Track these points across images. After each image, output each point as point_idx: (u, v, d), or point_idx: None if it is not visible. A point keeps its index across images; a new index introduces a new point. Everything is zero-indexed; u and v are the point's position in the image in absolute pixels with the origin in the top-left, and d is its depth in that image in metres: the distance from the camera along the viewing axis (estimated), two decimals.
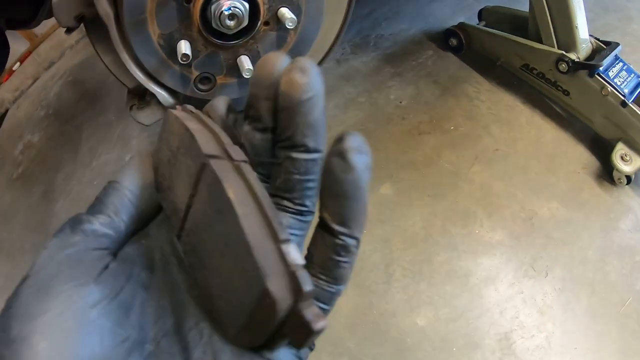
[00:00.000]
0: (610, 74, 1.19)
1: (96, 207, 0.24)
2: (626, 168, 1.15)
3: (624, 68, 1.21)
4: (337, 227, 0.22)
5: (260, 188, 0.20)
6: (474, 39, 1.41)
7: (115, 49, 0.72)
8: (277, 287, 0.18)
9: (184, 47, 0.67)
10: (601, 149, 1.23)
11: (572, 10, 1.16)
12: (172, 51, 0.71)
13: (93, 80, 2.00)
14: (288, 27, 0.67)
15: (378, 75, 1.45)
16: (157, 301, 0.23)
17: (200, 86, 0.78)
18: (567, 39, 1.20)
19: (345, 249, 0.22)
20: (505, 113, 1.32)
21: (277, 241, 0.19)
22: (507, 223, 1.14)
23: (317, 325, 0.18)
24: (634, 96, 1.17)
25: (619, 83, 1.18)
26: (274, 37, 0.74)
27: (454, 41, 1.45)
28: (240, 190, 0.20)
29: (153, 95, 0.79)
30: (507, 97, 1.35)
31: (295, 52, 0.77)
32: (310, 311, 0.18)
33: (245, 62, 0.72)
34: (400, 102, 1.38)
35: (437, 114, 1.33)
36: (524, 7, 1.41)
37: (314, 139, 0.22)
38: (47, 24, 2.13)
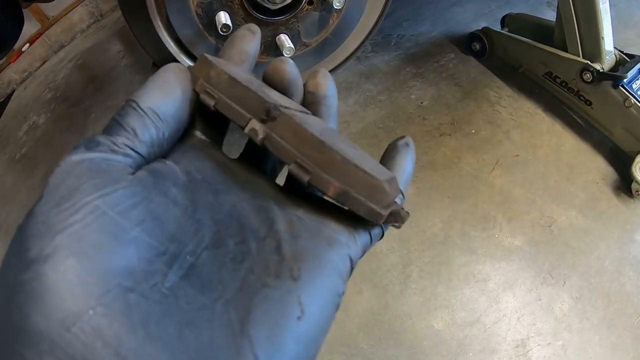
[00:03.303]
0: (634, 86, 1.19)
1: (113, 128, 0.21)
2: None
3: None
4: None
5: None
6: (497, 44, 1.40)
7: (146, 18, 0.69)
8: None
9: (224, 17, 0.64)
10: (619, 161, 1.22)
11: (600, 21, 1.16)
12: (209, 22, 0.68)
13: (103, 65, 1.96)
14: (335, 7, 0.65)
15: (399, 75, 1.44)
16: (191, 217, 0.21)
17: None
18: (593, 49, 1.20)
19: None
20: (526, 120, 1.31)
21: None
22: (526, 229, 1.12)
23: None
24: None
25: None
26: (316, 18, 0.72)
27: (477, 45, 1.44)
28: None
29: None
30: (528, 104, 1.34)
31: (336, 36, 0.75)
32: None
33: (285, 40, 0.70)
34: (421, 103, 1.36)
35: (458, 116, 1.32)
36: (546, 15, 1.41)
37: (335, 124, 0.28)
38: (59, 6, 2.11)
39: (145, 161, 0.21)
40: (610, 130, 1.23)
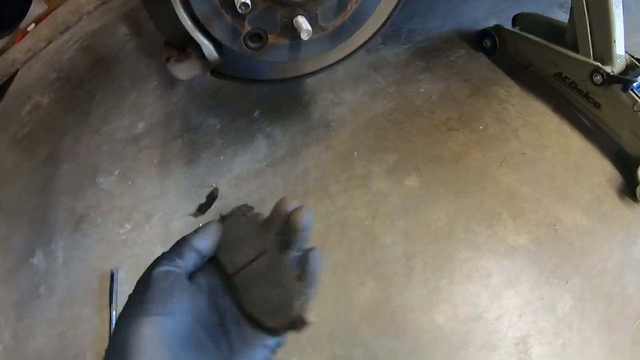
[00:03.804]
0: None
1: (180, 253, 0.40)
2: None
3: None
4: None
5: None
6: (508, 42, 1.40)
7: None
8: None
9: None
10: (625, 165, 1.22)
11: (612, 24, 1.15)
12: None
13: (109, 47, 1.94)
14: None
15: (408, 68, 1.43)
16: (211, 311, 0.41)
17: (250, 43, 0.74)
18: (604, 52, 1.19)
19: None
20: (535, 119, 1.30)
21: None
22: (531, 227, 1.12)
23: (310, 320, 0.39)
24: None
25: None
26: (334, 2, 0.72)
27: (488, 42, 1.43)
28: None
29: (195, 48, 0.75)
30: (537, 103, 1.34)
31: (353, 21, 0.74)
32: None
33: (303, 22, 0.69)
34: (430, 97, 1.36)
35: (467, 112, 1.31)
36: (557, 16, 1.40)
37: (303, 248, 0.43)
38: None
39: (190, 274, 0.41)
40: (617, 133, 1.22)
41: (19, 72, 2.19)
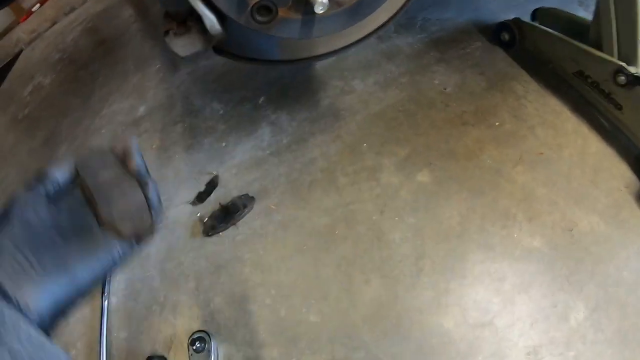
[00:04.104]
0: None
1: (42, 179, 0.49)
2: None
3: None
4: None
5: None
6: (528, 37, 1.34)
7: None
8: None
9: None
10: None
11: (639, 24, 1.09)
12: None
13: (114, 29, 1.90)
14: None
15: (422, 58, 1.38)
16: (70, 220, 0.49)
17: (258, 16, 0.69)
18: (629, 52, 1.13)
19: None
20: (552, 117, 1.25)
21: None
22: (546, 230, 1.06)
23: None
24: None
25: None
26: None
27: (507, 36, 1.37)
28: None
29: (196, 22, 0.70)
30: (555, 101, 1.28)
31: None
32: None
33: None
34: (445, 89, 1.30)
35: (483, 106, 1.26)
36: (577, 12, 1.35)
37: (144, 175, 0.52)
38: None
39: (50, 194, 0.49)
40: (638, 136, 1.16)
41: (22, 53, 2.16)
